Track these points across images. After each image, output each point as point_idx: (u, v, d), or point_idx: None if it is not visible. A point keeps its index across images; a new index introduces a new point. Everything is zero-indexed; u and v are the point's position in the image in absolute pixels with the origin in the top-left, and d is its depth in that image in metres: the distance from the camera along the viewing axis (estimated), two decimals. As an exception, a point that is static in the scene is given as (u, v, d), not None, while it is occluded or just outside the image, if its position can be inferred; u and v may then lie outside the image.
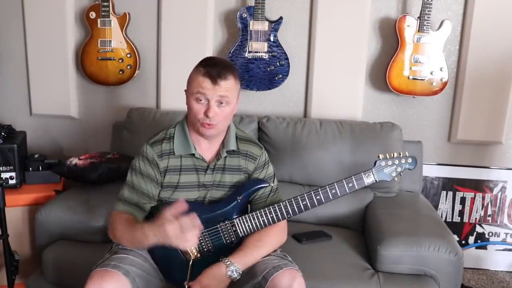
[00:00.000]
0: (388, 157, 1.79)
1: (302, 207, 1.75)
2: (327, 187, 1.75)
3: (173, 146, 1.77)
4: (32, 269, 2.42)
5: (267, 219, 1.74)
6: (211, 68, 1.68)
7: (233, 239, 1.76)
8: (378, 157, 1.79)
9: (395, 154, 1.80)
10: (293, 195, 2.45)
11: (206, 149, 1.80)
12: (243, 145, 1.85)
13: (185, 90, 1.77)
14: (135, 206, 1.75)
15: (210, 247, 1.76)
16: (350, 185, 1.75)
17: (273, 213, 1.75)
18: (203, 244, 1.75)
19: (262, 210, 1.75)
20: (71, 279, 2.14)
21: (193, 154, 1.77)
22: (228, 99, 1.69)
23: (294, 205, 1.74)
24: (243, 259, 1.69)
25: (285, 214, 1.75)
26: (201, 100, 1.68)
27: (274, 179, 1.89)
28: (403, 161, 1.79)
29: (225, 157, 1.80)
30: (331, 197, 1.75)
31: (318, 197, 1.74)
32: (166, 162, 1.77)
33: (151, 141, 1.79)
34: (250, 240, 1.75)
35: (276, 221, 1.75)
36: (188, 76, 1.75)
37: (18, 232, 2.51)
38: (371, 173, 1.76)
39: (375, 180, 1.76)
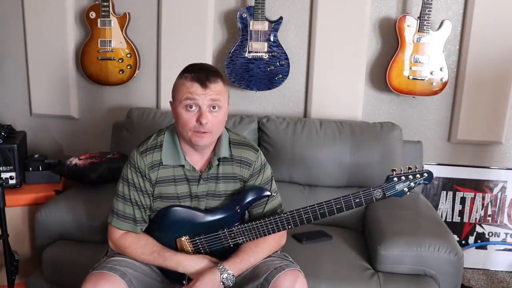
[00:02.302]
0: (402, 172, 1.68)
1: (305, 220, 1.69)
2: (332, 201, 1.68)
3: (162, 156, 1.69)
4: (32, 269, 2.42)
5: (267, 229, 1.70)
6: (198, 72, 1.61)
7: (231, 246, 1.73)
8: (392, 171, 1.68)
9: (411, 169, 1.69)
10: (293, 195, 2.48)
11: (197, 158, 1.72)
12: (236, 151, 1.75)
13: (170, 102, 1.69)
14: (137, 221, 1.73)
15: (207, 252, 1.74)
16: (357, 200, 1.67)
17: (273, 224, 1.70)
18: (201, 249, 1.74)
19: (262, 220, 1.70)
20: (71, 279, 2.14)
21: (183, 165, 1.70)
22: (220, 103, 1.61)
23: (297, 218, 1.68)
24: (239, 265, 1.66)
25: (286, 225, 1.70)
26: (191, 107, 1.60)
27: (272, 182, 1.83)
28: (418, 176, 1.68)
29: (218, 165, 1.72)
30: (335, 211, 1.68)
31: (322, 211, 1.68)
32: (157, 174, 1.70)
33: (142, 149, 1.71)
34: (248, 244, 1.72)
35: (276, 231, 1.71)
36: (172, 85, 1.67)
37: (18, 232, 2.51)
38: (382, 189, 1.67)
39: (385, 197, 1.68)
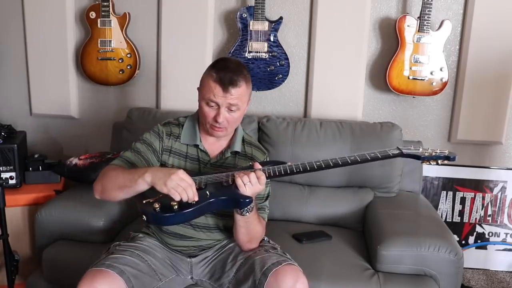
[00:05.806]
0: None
1: (315, 165, 1.62)
2: (346, 157, 1.63)
3: (181, 132, 1.82)
4: (32, 269, 2.42)
5: (270, 172, 1.63)
6: (224, 73, 1.67)
7: (230, 183, 1.63)
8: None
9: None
10: (293, 195, 2.48)
11: (212, 144, 1.83)
12: (248, 148, 1.88)
13: (198, 89, 1.79)
14: (133, 165, 1.72)
15: (203, 185, 1.65)
16: (373, 155, 1.62)
17: (276, 169, 1.62)
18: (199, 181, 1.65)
19: (265, 168, 1.63)
20: (71, 279, 2.13)
21: (197, 145, 1.80)
22: (238, 106, 1.71)
23: (307, 165, 1.62)
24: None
25: (294, 169, 1.62)
26: (211, 105, 1.70)
27: (267, 200, 1.84)
28: (439, 153, 1.60)
29: (228, 157, 1.83)
30: (349, 162, 1.62)
31: (334, 161, 1.63)
32: (171, 143, 1.81)
33: (164, 122, 1.87)
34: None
35: (277, 175, 1.63)
36: (202, 76, 1.76)
37: (18, 232, 2.51)
38: (397, 148, 1.63)
39: (402, 153, 1.61)
